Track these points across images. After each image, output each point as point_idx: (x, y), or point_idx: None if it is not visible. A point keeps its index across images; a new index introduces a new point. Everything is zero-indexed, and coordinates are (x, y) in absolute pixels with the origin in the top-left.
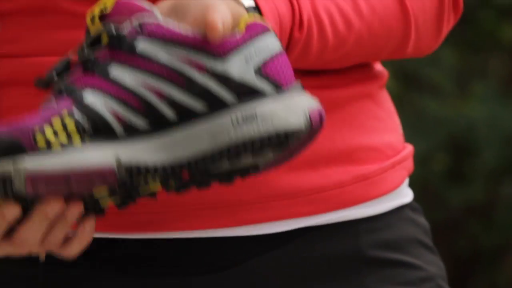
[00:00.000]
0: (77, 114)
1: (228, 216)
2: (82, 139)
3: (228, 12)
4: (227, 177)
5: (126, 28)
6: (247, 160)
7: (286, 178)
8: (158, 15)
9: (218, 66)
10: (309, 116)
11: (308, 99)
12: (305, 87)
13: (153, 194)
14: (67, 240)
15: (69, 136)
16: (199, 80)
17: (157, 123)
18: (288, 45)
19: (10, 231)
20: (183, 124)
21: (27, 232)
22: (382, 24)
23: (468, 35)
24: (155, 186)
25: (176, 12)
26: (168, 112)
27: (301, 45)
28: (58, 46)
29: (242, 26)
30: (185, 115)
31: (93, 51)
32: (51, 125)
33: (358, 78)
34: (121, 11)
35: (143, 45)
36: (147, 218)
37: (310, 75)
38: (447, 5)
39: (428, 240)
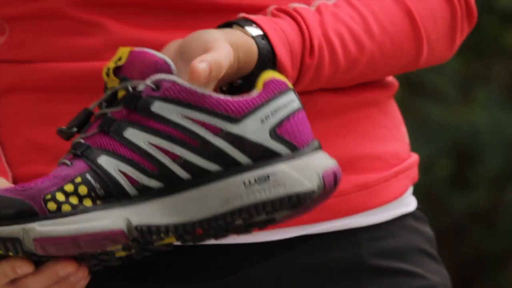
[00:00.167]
0: (90, 178)
1: None
2: (94, 202)
3: (225, 53)
4: (244, 230)
5: (142, 85)
6: (260, 218)
7: None
8: (172, 66)
9: (233, 128)
10: (323, 177)
11: (324, 158)
12: (311, 89)
13: (169, 245)
14: None
15: (80, 199)
16: (213, 143)
17: (170, 184)
18: (300, 72)
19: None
20: (197, 183)
21: (32, 283)
22: (393, 43)
23: (471, 41)
24: (170, 239)
25: (182, 54)
26: (182, 173)
27: (312, 70)
28: (63, 52)
29: (260, 84)
30: (199, 176)
31: (109, 107)
32: (63, 190)
33: (365, 85)
34: (136, 62)
35: (158, 106)
36: None
37: None
38: (460, 16)
39: (431, 249)
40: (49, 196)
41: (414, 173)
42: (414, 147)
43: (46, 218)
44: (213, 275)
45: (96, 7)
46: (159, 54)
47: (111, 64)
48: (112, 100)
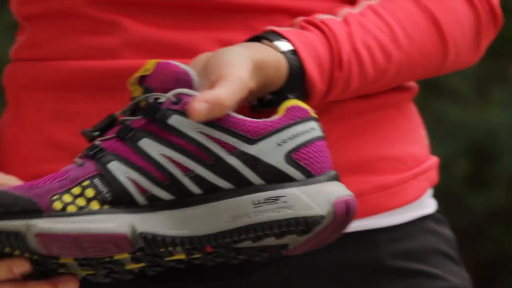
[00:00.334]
0: (98, 182)
1: None
2: (101, 206)
3: (232, 90)
4: (256, 254)
5: (164, 98)
6: (270, 241)
7: None
8: (194, 78)
9: (249, 149)
10: (334, 205)
11: (339, 187)
12: (340, 99)
13: (181, 262)
14: None
15: (87, 201)
16: (227, 160)
17: (180, 197)
18: (329, 85)
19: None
20: (207, 199)
21: None
22: (421, 52)
23: None
24: (180, 256)
25: (205, 71)
26: (192, 187)
27: (342, 83)
28: (81, 51)
29: (282, 110)
30: (210, 192)
31: (131, 116)
32: (70, 192)
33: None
34: (159, 73)
35: (175, 119)
36: None
37: None
38: (484, 21)
39: (451, 251)
40: (56, 197)
41: (433, 176)
42: (431, 147)
43: (50, 216)
44: (232, 274)
45: (113, 6)
46: (183, 66)
47: (138, 74)
48: (135, 109)
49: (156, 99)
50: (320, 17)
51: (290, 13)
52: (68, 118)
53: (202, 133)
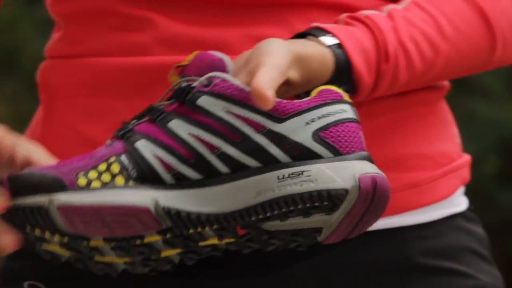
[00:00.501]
0: (124, 159)
1: None
2: (125, 181)
3: (280, 61)
4: (290, 240)
5: (197, 82)
6: (299, 222)
7: None
8: (230, 68)
9: (276, 127)
10: (359, 180)
11: (367, 166)
12: (390, 94)
13: (217, 248)
14: None
15: (113, 177)
16: (254, 139)
17: (206, 174)
18: (377, 79)
19: None
20: (233, 178)
21: None
22: (468, 44)
23: None
24: (213, 240)
25: (246, 63)
26: (219, 165)
27: (389, 76)
28: (112, 48)
29: (315, 92)
30: (237, 170)
31: (167, 102)
32: (96, 168)
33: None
34: (197, 61)
35: (204, 100)
36: None
37: None
38: None
39: (483, 250)
40: (81, 173)
41: (465, 174)
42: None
43: (73, 190)
44: (257, 272)
45: (145, 3)
46: (218, 54)
47: (181, 63)
48: (171, 96)
49: (190, 84)
50: (365, 12)
51: (326, 8)
52: (99, 115)
53: (229, 112)
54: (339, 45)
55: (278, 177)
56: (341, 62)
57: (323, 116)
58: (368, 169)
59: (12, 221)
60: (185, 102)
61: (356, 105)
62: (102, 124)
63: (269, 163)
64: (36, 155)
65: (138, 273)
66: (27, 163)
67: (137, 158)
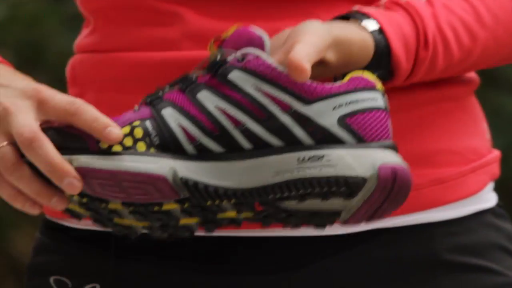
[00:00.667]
0: (148, 124)
1: None
2: (147, 149)
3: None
4: (308, 219)
5: (231, 56)
6: (317, 204)
7: None
8: (267, 46)
9: (303, 108)
10: (378, 169)
11: (390, 155)
12: (426, 80)
13: (235, 221)
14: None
15: (135, 142)
16: (279, 118)
17: (228, 149)
18: (414, 65)
19: None
20: (255, 155)
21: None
22: (506, 31)
23: None
24: (231, 213)
25: (285, 41)
26: (241, 140)
27: (427, 63)
28: (141, 42)
29: (347, 78)
30: (259, 147)
31: (200, 71)
32: None
33: (446, 82)
34: (235, 36)
35: (235, 75)
36: None
37: None
38: None
39: None
40: None
41: (494, 170)
42: None
43: (94, 152)
44: (281, 268)
45: None
46: (258, 31)
47: (219, 37)
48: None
49: (224, 57)
50: None
51: (353, 1)
52: (126, 110)
53: (259, 89)
54: (380, 31)
55: (298, 159)
56: (381, 48)
57: (352, 102)
58: (389, 158)
59: (35, 172)
60: (216, 75)
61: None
62: None
63: (291, 144)
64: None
65: (157, 237)
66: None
67: (161, 126)
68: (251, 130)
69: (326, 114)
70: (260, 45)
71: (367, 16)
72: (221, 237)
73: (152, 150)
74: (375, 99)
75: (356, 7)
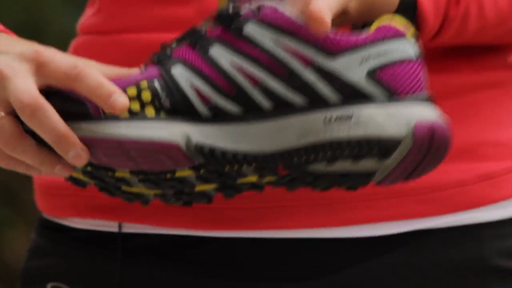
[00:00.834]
0: (157, 85)
1: (328, 215)
2: (157, 113)
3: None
4: (339, 182)
5: (245, 8)
6: (348, 166)
7: None
8: None
9: (327, 63)
10: (414, 128)
11: (426, 110)
12: (456, 42)
13: (257, 186)
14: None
15: (143, 106)
16: (302, 74)
17: (247, 110)
18: (443, 23)
19: None
20: (276, 115)
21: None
22: None
23: None
24: (252, 178)
25: None
26: (261, 101)
27: (457, 22)
28: (153, 23)
29: (374, 27)
30: (281, 107)
31: (209, 26)
32: (125, 93)
33: (490, 65)
34: None
35: (251, 28)
36: (237, 215)
37: (435, 57)
38: None
39: None
40: None
41: None
42: None
43: (97, 119)
44: (312, 273)
45: None
46: None
47: None
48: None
49: (238, 10)
50: None
51: None
52: None
53: (278, 44)
54: None
55: (324, 119)
56: (407, 0)
57: (381, 54)
58: (425, 114)
59: (36, 141)
60: (230, 29)
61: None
62: None
63: (316, 103)
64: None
65: (171, 204)
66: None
67: (172, 87)
68: (271, 88)
69: (352, 68)
70: None
71: None
72: (237, 238)
73: (162, 114)
74: (406, 49)
75: None
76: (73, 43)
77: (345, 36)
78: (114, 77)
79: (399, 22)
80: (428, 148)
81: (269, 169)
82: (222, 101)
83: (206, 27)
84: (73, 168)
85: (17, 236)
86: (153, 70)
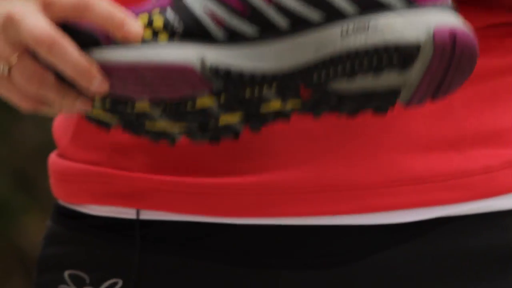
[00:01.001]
0: (170, 13)
1: (350, 201)
2: (170, 37)
3: None
4: (364, 103)
5: None
6: (370, 82)
7: (422, 159)
8: None
9: None
10: (434, 33)
11: (447, 16)
12: None
13: (282, 114)
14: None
15: (154, 33)
16: None
17: (262, 30)
18: None
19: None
20: (292, 33)
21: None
22: None
23: None
24: (275, 103)
25: None
26: (277, 19)
27: None
28: None
29: None
30: (297, 24)
31: None
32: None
33: None
34: None
35: None
36: (254, 200)
37: None
38: None
39: None
40: None
41: None
42: None
43: (109, 47)
44: (333, 261)
45: None
46: None
47: None
48: None
49: None
50: None
51: None
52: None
53: None
54: None
55: (341, 32)
56: None
57: None
58: (446, 19)
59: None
60: None
61: None
62: None
63: (333, 16)
64: None
65: (198, 141)
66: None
67: (185, 12)
68: (287, 6)
69: None
70: None
71: None
72: (254, 225)
73: (175, 39)
74: None
75: None
76: None
77: None
78: (124, 5)
79: None
80: (451, 54)
81: (291, 91)
82: (237, 22)
83: None
84: (93, 102)
85: (33, 223)
86: (164, 0)
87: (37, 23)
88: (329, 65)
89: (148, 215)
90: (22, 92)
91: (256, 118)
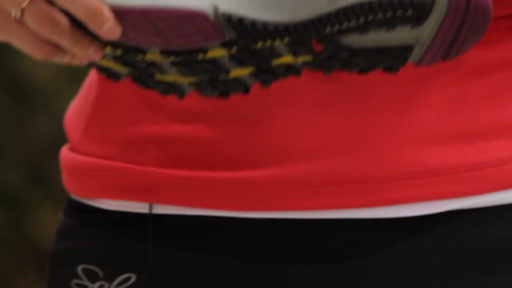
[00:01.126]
0: None
1: (362, 194)
2: None
3: None
4: (376, 59)
5: None
6: (383, 37)
7: (434, 151)
8: None
9: None
10: None
11: None
12: None
13: (293, 69)
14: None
15: None
16: None
17: None
18: None
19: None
20: None
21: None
22: None
23: None
24: (287, 58)
25: None
26: None
27: None
28: None
29: None
30: None
31: None
32: None
33: None
34: None
35: None
36: (270, 194)
37: None
38: None
39: None
40: None
41: None
42: None
43: None
44: (343, 256)
45: None
46: None
47: None
48: None
49: None
50: None
51: None
52: None
53: None
54: None
55: None
56: None
57: None
58: None
59: None
60: None
61: (458, 63)
62: None
63: None
64: None
65: (208, 95)
66: None
67: None
68: None
69: None
70: None
71: None
72: (270, 219)
73: None
74: None
75: None
76: None
77: None
78: None
79: None
80: (465, 10)
81: (303, 44)
82: None
83: None
84: (104, 49)
85: (47, 216)
86: None
87: None
88: (342, 18)
89: (160, 209)
90: (35, 38)
91: (267, 72)
